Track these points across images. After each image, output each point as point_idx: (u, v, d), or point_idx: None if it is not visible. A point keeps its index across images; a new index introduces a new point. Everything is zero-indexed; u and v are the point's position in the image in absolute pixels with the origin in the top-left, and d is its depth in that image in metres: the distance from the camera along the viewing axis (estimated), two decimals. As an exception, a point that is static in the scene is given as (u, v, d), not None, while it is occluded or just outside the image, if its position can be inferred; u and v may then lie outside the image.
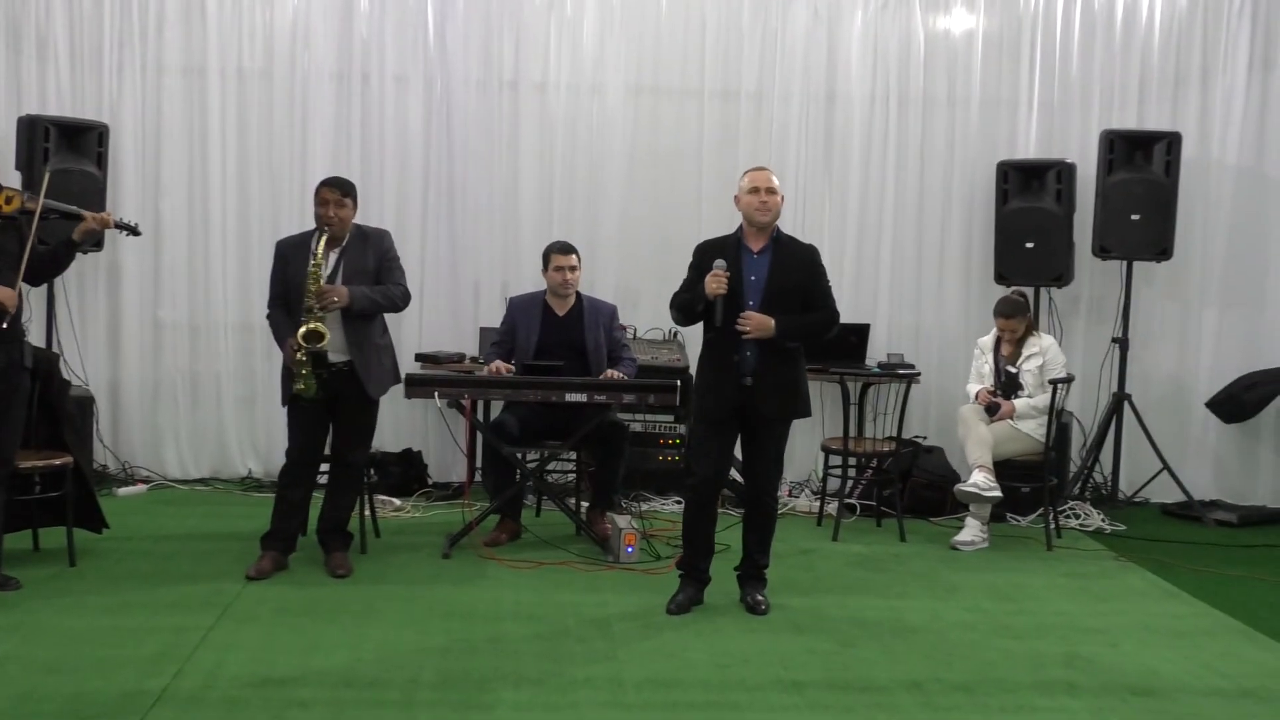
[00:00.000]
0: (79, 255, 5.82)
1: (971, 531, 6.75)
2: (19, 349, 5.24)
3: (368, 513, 6.31)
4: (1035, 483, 7.06)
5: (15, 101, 7.39)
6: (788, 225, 7.68)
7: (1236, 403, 7.82)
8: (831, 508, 7.10)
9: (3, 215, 5.15)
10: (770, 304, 5.25)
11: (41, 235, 5.21)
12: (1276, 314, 8.16)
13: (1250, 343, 8.10)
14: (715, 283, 5.15)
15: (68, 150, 7.09)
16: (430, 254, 7.80)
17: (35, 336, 6.86)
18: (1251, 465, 8.18)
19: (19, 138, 7.01)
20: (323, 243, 5.60)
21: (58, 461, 5.61)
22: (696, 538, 5.43)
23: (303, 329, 5.54)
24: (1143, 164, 7.69)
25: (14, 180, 6.68)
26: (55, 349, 7.19)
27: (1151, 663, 4.96)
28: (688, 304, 5.34)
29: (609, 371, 6.41)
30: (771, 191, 5.30)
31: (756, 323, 5.18)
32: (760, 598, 5.43)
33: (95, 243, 6.93)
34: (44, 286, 6.95)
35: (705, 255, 5.35)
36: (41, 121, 7.03)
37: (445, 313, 7.83)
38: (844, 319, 7.57)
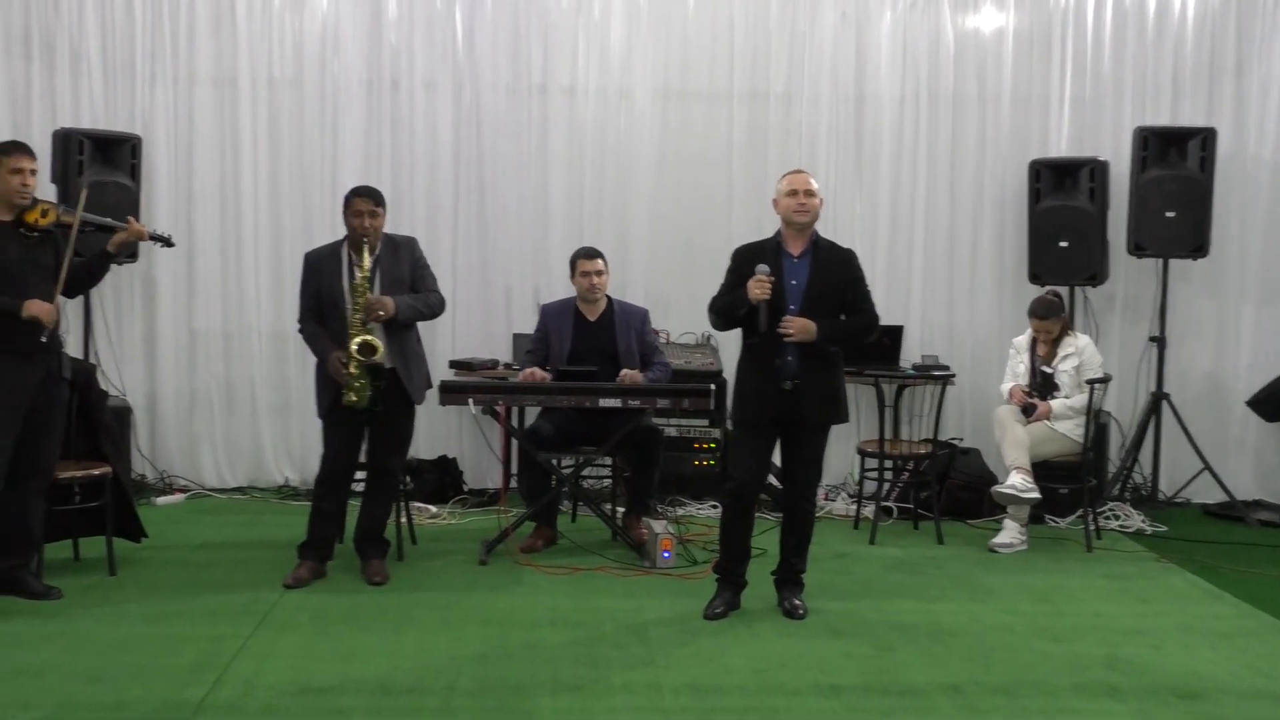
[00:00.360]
0: (114, 267, 5.85)
1: (1010, 534, 6.70)
2: (57, 361, 5.27)
3: (404, 520, 6.31)
4: (1074, 484, 6.99)
5: (50, 115, 7.45)
6: (818, 229, 7.72)
7: (1278, 401, 7.72)
8: (868, 511, 7.06)
9: (39, 228, 5.18)
10: (811, 308, 5.23)
11: (77, 248, 5.23)
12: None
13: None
14: (759, 288, 5.13)
15: (102, 162, 7.14)
16: (462, 261, 7.81)
17: (73, 348, 6.91)
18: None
19: (54, 151, 7.05)
20: (366, 253, 5.60)
21: (96, 471, 5.65)
22: (733, 542, 5.41)
23: (355, 342, 5.55)
24: (1177, 160, 7.62)
25: (50, 193, 6.72)
26: (92, 360, 7.25)
27: (1194, 665, 4.90)
28: (728, 308, 5.32)
29: (625, 372, 6.39)
30: (810, 194, 5.29)
31: (799, 327, 5.17)
32: (797, 602, 5.41)
33: (130, 254, 6.99)
34: (80, 298, 7.00)
35: (744, 260, 5.33)
36: (76, 134, 7.08)
37: (478, 319, 7.84)
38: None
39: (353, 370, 5.57)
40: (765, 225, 5.53)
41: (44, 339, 5.09)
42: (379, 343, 5.58)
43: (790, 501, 5.50)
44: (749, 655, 4.88)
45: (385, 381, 5.68)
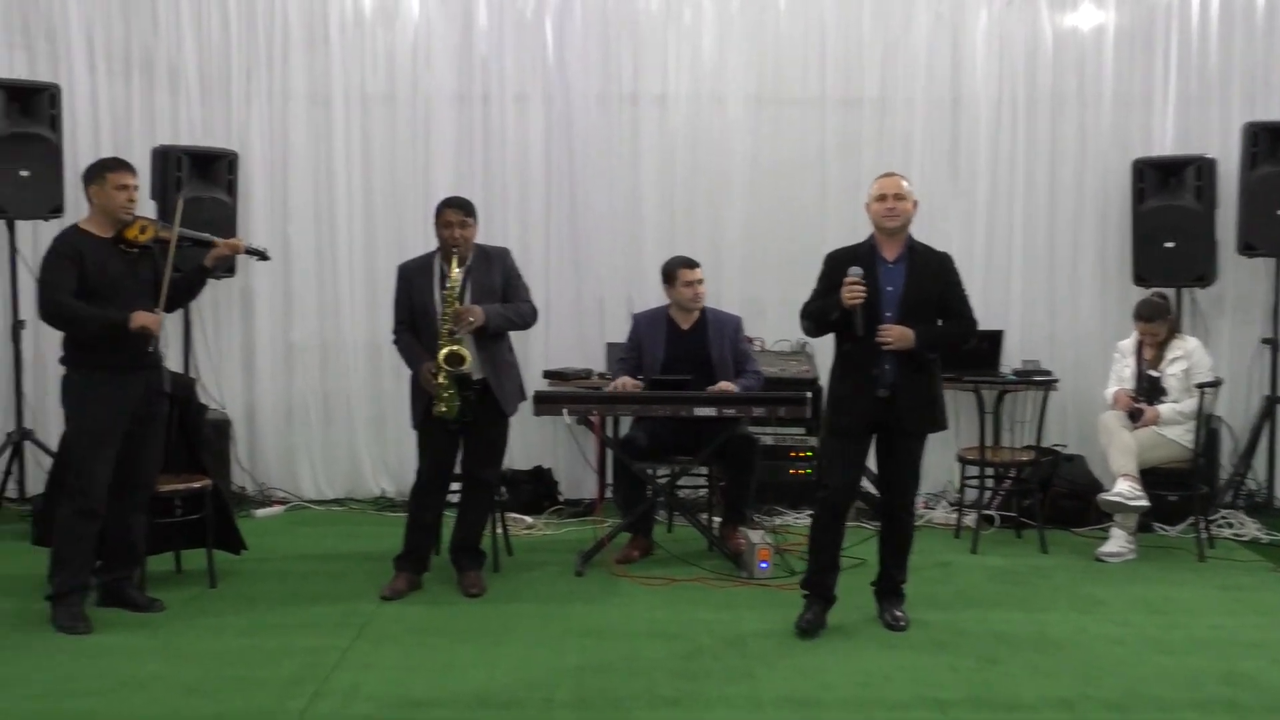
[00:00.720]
0: (212, 281, 5.91)
1: (1117, 542, 6.53)
2: (158, 375, 5.33)
3: (500, 531, 6.30)
4: (1184, 491, 6.80)
5: (150, 132, 7.57)
6: (914, 233, 7.59)
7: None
8: (970, 519, 6.93)
9: (139, 244, 5.25)
10: (908, 314, 5.13)
11: (176, 262, 5.29)
12: None
13: None
14: (850, 293, 5.04)
15: (199, 179, 7.24)
16: (554, 271, 7.81)
17: (173, 361, 7.01)
18: None
19: (153, 168, 7.17)
20: (455, 264, 5.60)
21: (197, 484, 5.70)
22: (823, 554, 5.28)
23: (443, 352, 5.55)
24: (1288, 157, 7.40)
25: (149, 209, 6.82)
26: (192, 373, 7.35)
27: (1320, 679, 4.72)
28: (820, 314, 5.23)
29: (722, 384, 6.32)
30: (900, 197, 5.19)
31: (897, 334, 5.06)
32: (899, 614, 5.30)
33: (227, 268, 7.08)
34: (180, 312, 7.10)
35: (836, 265, 5.24)
36: (174, 151, 7.19)
37: (571, 329, 7.83)
38: (979, 326, 7.50)
39: (441, 380, 5.57)
40: (859, 231, 5.44)
41: (150, 349, 5.15)
42: (467, 352, 5.58)
43: (888, 511, 5.39)
44: (850, 668, 4.79)
45: (474, 392, 5.67)
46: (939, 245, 7.59)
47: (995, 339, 7.56)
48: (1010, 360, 7.65)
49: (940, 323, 5.25)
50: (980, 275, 7.82)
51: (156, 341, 5.25)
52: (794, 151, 7.93)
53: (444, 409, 5.60)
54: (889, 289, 5.16)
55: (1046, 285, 7.92)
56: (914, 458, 5.32)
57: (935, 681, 4.66)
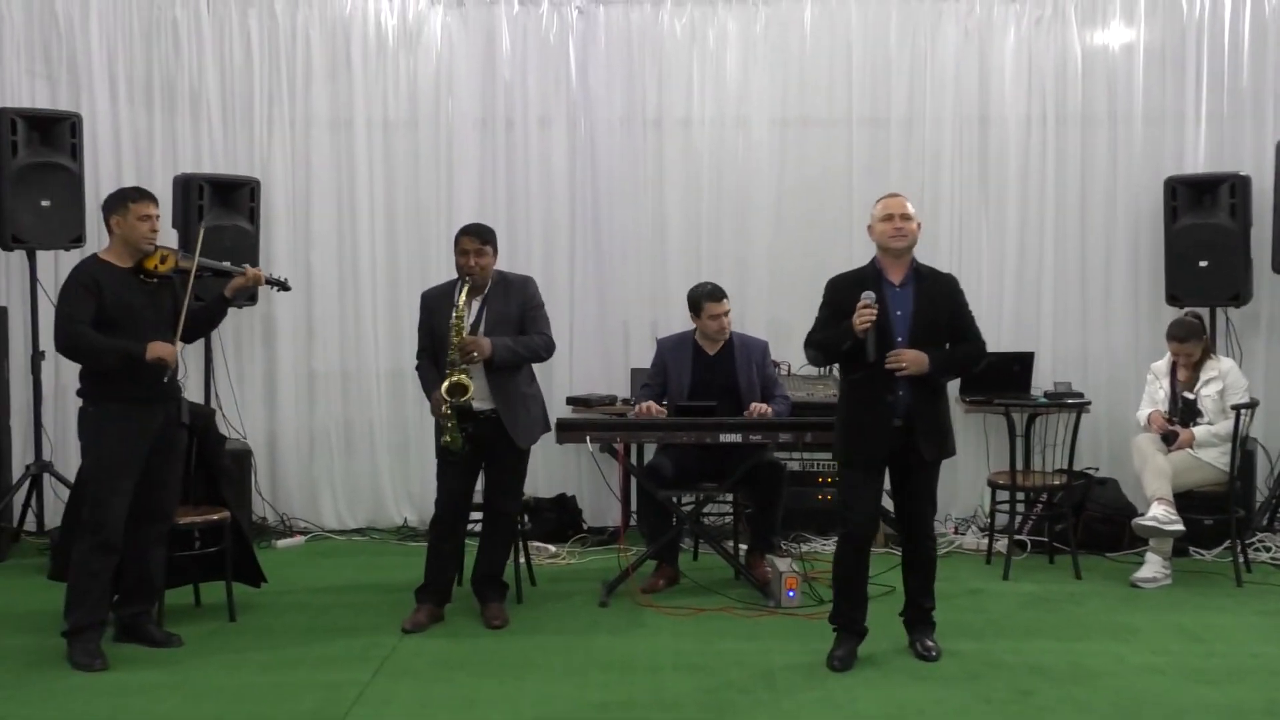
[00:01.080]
0: (233, 310, 5.87)
1: (1153, 568, 6.39)
2: (176, 406, 5.29)
3: (523, 561, 6.23)
4: (1219, 514, 6.64)
5: (171, 160, 7.57)
6: (944, 254, 7.59)
7: None
8: (1001, 545, 6.81)
9: (159, 275, 5.21)
10: (919, 339, 5.00)
11: (195, 292, 5.25)
12: None
13: None
14: (861, 319, 4.90)
15: (221, 206, 7.22)
16: (579, 296, 7.75)
17: (193, 391, 6.97)
18: None
19: (175, 197, 7.15)
20: (464, 293, 5.55)
21: (216, 517, 5.64)
22: (851, 589, 5.16)
23: (446, 382, 5.49)
24: (1324, 173, 7.26)
25: (171, 238, 6.80)
26: (213, 403, 7.31)
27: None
28: (831, 342, 5.09)
29: (754, 406, 6.22)
30: (906, 217, 5.05)
31: (911, 359, 4.93)
32: (930, 643, 5.19)
33: (249, 297, 7.04)
34: (202, 342, 7.06)
35: (840, 290, 5.11)
36: (196, 180, 7.18)
37: (595, 355, 7.76)
38: (1007, 347, 7.45)
39: (445, 411, 5.50)
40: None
41: (166, 380, 5.10)
42: (469, 383, 5.50)
43: (912, 541, 5.26)
44: (881, 700, 4.69)
45: (476, 425, 5.59)
46: (969, 266, 7.67)
47: (1027, 360, 7.43)
48: (1042, 382, 7.52)
49: (949, 346, 5.12)
50: (1011, 295, 7.77)
51: (174, 372, 5.20)
52: (819, 172, 7.86)
53: (448, 439, 5.53)
54: (898, 313, 5.02)
55: (1078, 305, 7.81)
56: (931, 485, 5.19)
57: (970, 714, 4.56)
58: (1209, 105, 7.71)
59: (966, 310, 5.19)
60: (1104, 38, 7.80)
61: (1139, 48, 7.77)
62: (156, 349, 5.00)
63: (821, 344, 5.14)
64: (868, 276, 5.09)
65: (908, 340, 4.98)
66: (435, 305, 5.73)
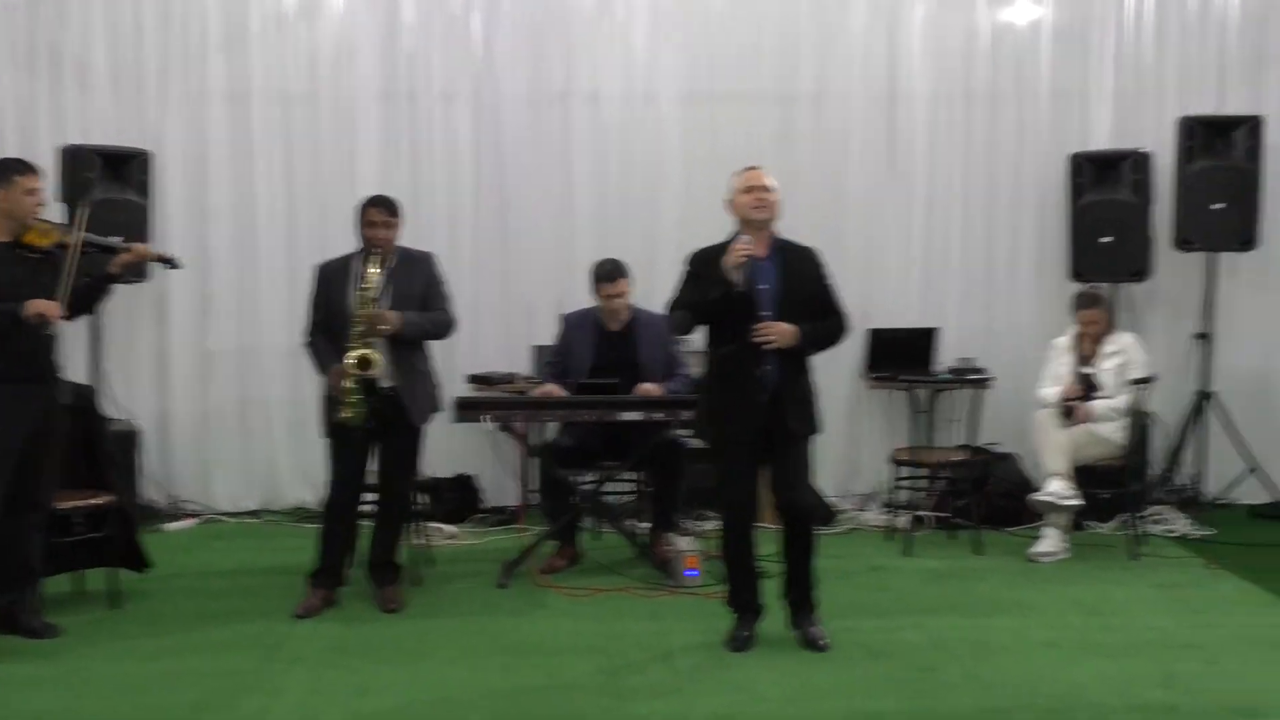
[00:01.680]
0: (124, 287, 5.69)
1: (1051, 542, 6.45)
2: (54, 388, 5.10)
3: (420, 542, 6.12)
4: (1117, 488, 6.73)
5: (57, 130, 7.28)
6: (852, 230, 7.59)
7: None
8: (902, 521, 6.82)
9: (39, 249, 5.02)
10: (786, 312, 4.89)
11: (81, 268, 5.06)
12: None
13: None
14: (737, 257, 4.75)
15: (112, 179, 6.99)
16: (482, 272, 7.62)
17: (79, 372, 6.74)
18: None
19: (63, 168, 6.91)
20: (374, 265, 5.43)
21: (98, 501, 5.46)
22: (742, 570, 5.09)
23: (353, 355, 5.36)
24: (1224, 150, 7.35)
25: (56, 212, 6.56)
26: (100, 384, 7.07)
27: (1254, 680, 4.69)
28: (699, 297, 4.90)
29: (642, 386, 6.14)
30: (766, 189, 4.95)
31: (780, 331, 4.83)
32: (814, 630, 5.05)
33: (137, 274, 6.81)
34: (88, 321, 6.82)
35: (705, 264, 4.94)
36: (85, 151, 6.95)
37: (497, 332, 7.63)
38: (912, 323, 7.44)
39: (349, 386, 5.37)
40: (796, 227, 5.27)
41: (46, 332, 4.93)
42: (378, 357, 5.38)
43: (790, 519, 5.05)
44: (783, 680, 4.66)
45: (382, 400, 5.47)
46: (877, 241, 7.66)
47: (929, 336, 7.45)
48: (946, 358, 7.54)
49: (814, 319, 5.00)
50: (918, 271, 7.79)
51: (53, 350, 5.01)
52: (729, 148, 7.70)
53: (349, 414, 5.40)
54: (764, 286, 4.91)
55: (984, 281, 7.84)
56: (804, 460, 5.06)
57: (871, 693, 4.55)
58: (1114, 83, 7.77)
59: (831, 283, 5.09)
60: (1011, 15, 7.82)
61: (1045, 25, 7.80)
62: (37, 304, 4.81)
63: (690, 302, 4.96)
64: (718, 290, 4.86)
65: (775, 314, 4.87)
66: (332, 278, 5.60)
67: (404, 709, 4.39)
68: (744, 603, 5.11)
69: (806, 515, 5.10)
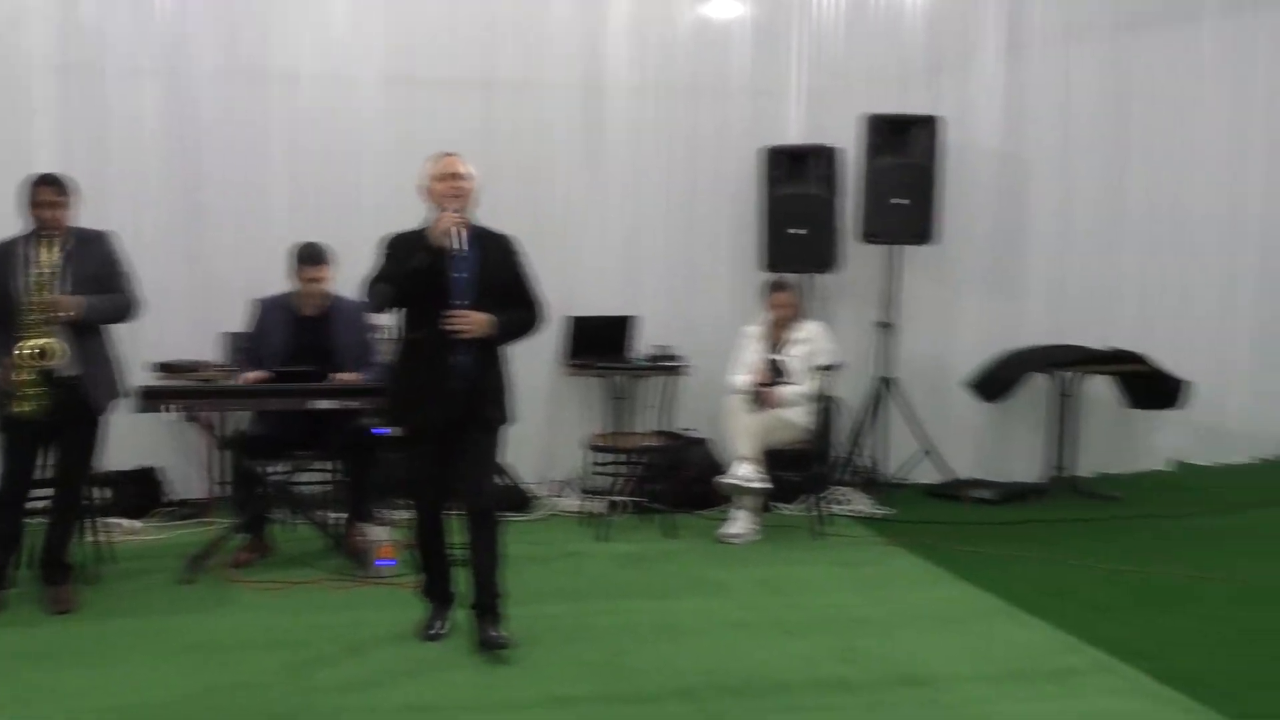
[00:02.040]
0: None
1: (741, 524, 6.66)
2: None
3: (97, 538, 5.84)
4: (803, 471, 6.99)
5: None
6: (554, 219, 7.61)
7: (994, 381, 7.94)
8: (599, 506, 6.91)
9: None
10: (482, 300, 4.84)
11: None
12: (1035, 295, 8.34)
13: (1010, 323, 8.24)
14: (448, 223, 4.70)
15: None
16: (169, 254, 7.24)
17: None
18: (1008, 442, 8.34)
19: None
20: (49, 247, 5.14)
21: None
22: (434, 559, 5.05)
23: (31, 344, 5.06)
24: (904, 148, 7.70)
25: None
26: None
27: (923, 651, 4.95)
28: (399, 272, 4.78)
29: (341, 375, 6.01)
30: (460, 176, 4.86)
31: (475, 321, 4.78)
32: (494, 634, 4.86)
33: None
34: None
35: (402, 249, 4.85)
36: None
37: (185, 318, 7.26)
38: (611, 311, 7.53)
39: (25, 376, 5.07)
40: (499, 215, 5.22)
41: None
42: (58, 346, 5.10)
43: (475, 514, 4.89)
44: (476, 668, 4.67)
45: (61, 389, 5.18)
46: (577, 231, 7.71)
47: (625, 324, 7.55)
48: (643, 346, 7.67)
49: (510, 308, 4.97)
50: (617, 260, 7.86)
51: None
52: (429, 134, 7.57)
53: (28, 407, 5.10)
54: (460, 275, 4.84)
55: (682, 271, 7.99)
56: (492, 453, 4.99)
57: (563, 677, 4.59)
58: (808, 79, 8.03)
59: (528, 272, 5.06)
60: (711, 10, 7.99)
61: (744, 22, 8.00)
62: None
63: (391, 274, 4.83)
64: (423, 260, 4.78)
65: (472, 302, 4.81)
66: (0, 262, 5.25)
67: (78, 716, 4.17)
68: (437, 592, 5.08)
69: (489, 508, 4.95)
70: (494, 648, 4.81)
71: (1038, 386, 8.15)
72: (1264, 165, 8.87)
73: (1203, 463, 8.89)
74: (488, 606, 4.93)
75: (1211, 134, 8.69)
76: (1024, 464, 8.28)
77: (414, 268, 4.75)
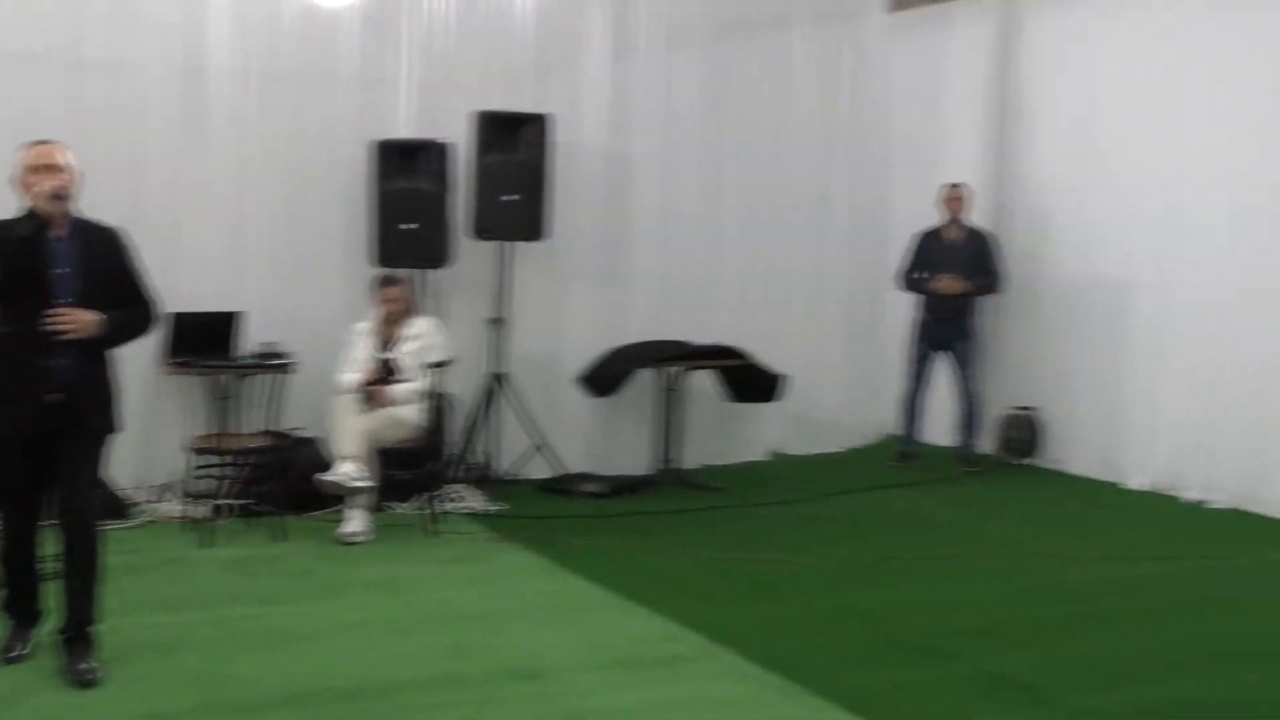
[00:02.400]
0: None
1: (355, 523, 6.57)
2: None
3: None
4: (417, 468, 6.96)
5: None
6: (153, 208, 7.18)
7: (602, 377, 8.15)
8: (202, 511, 6.65)
9: None
10: (87, 299, 4.51)
11: None
12: (641, 291, 8.57)
13: (617, 319, 8.45)
14: (51, 186, 4.38)
15: None
16: None
17: None
18: (617, 436, 8.55)
19: None
20: None
21: None
22: (20, 574, 4.68)
23: None
24: (515, 145, 7.77)
25: None
26: None
27: (534, 644, 5.03)
28: None
29: None
30: (58, 168, 4.50)
31: (81, 320, 4.45)
32: (84, 666, 4.50)
33: None
34: None
35: None
36: None
37: None
38: (214, 307, 7.20)
39: None
40: (95, 205, 4.87)
41: None
42: None
43: (73, 532, 4.54)
44: (65, 688, 4.39)
45: None
46: (177, 222, 7.32)
47: (230, 321, 7.21)
48: (249, 343, 7.37)
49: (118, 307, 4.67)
50: (219, 254, 7.50)
51: None
52: (13, 116, 7.06)
53: None
54: (63, 270, 4.50)
55: (290, 265, 7.73)
56: (95, 465, 4.68)
57: (162, 691, 4.39)
58: (419, 73, 7.94)
59: (138, 267, 4.77)
60: (318, -1, 7.81)
61: (354, 12, 7.81)
62: None
63: None
64: (28, 227, 4.42)
65: (76, 300, 4.48)
66: None
67: None
68: (21, 609, 4.72)
69: (89, 525, 4.60)
70: (82, 682, 4.45)
71: (644, 381, 8.41)
72: (847, 164, 9.48)
73: (799, 453, 9.40)
74: (78, 635, 4.58)
75: (803, 135, 9.23)
76: (632, 457, 8.52)
77: (17, 237, 4.35)
